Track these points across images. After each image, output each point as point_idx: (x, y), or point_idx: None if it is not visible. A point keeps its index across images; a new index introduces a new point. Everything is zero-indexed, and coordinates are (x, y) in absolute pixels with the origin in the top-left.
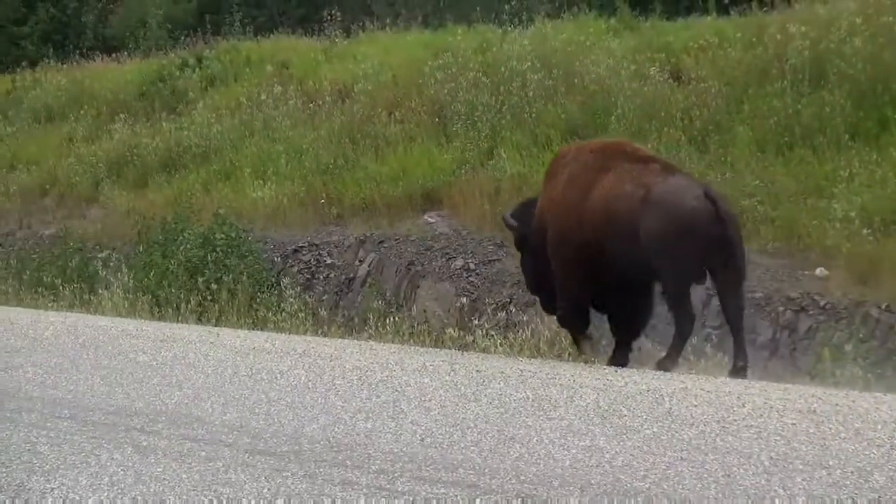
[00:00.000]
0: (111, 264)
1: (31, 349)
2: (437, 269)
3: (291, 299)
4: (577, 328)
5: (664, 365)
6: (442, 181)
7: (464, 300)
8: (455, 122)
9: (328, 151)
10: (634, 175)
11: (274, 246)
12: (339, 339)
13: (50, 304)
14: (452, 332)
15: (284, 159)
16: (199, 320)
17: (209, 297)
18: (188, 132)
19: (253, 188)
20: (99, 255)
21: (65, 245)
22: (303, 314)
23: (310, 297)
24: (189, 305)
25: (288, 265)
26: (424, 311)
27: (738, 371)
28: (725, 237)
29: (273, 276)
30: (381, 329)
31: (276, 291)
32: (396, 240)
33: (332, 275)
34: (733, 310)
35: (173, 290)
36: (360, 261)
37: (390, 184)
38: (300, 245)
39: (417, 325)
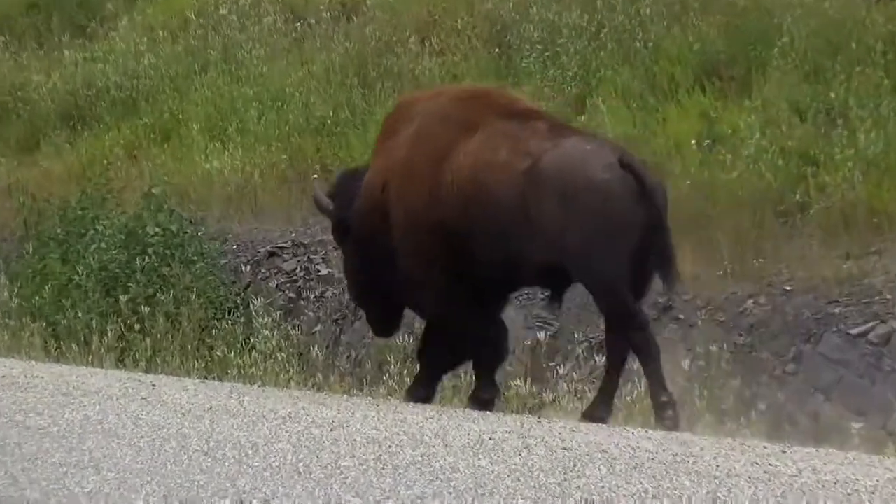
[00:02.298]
0: None
1: None
2: None
3: (266, 331)
4: (488, 349)
5: (596, 413)
6: None
7: (539, 336)
8: (525, 55)
9: (324, 99)
10: (512, 137)
11: (239, 246)
12: (343, 396)
13: None
14: (521, 385)
15: (256, 110)
16: (120, 362)
17: (137, 327)
18: (104, 66)
19: (206, 155)
20: None
21: None
22: (284, 354)
23: (295, 327)
24: (105, 339)
25: (260, 277)
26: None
27: (665, 407)
28: (652, 224)
29: (237, 294)
30: (406, 379)
31: (241, 318)
32: None
33: (328, 292)
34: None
35: (80, 315)
36: None
37: None
38: (280, 245)
39: (465, 374)
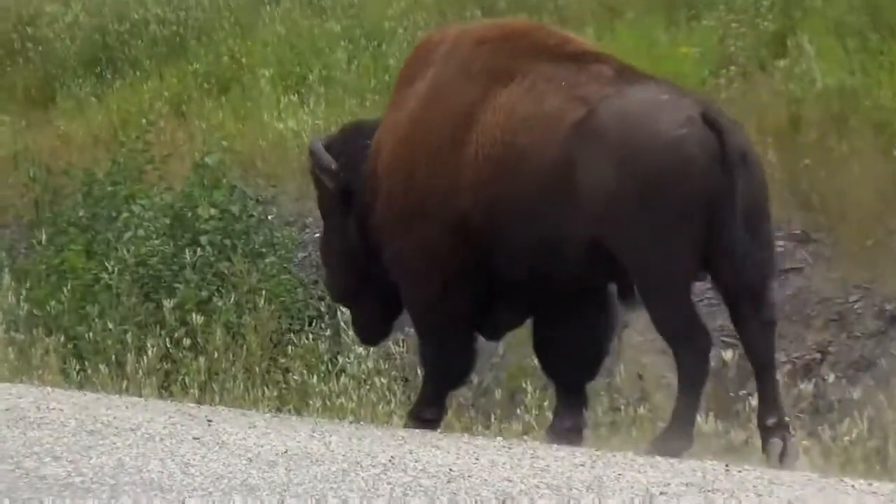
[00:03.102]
0: None
1: None
2: None
3: (359, 348)
4: (447, 375)
5: (669, 442)
6: None
7: (725, 355)
8: None
9: None
10: (562, 84)
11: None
12: (463, 435)
13: None
14: (702, 420)
15: (345, 52)
16: (165, 389)
17: (187, 342)
18: None
19: (278, 112)
20: None
21: None
22: (384, 379)
23: (398, 342)
24: (145, 358)
25: None
26: (640, 377)
27: (771, 433)
28: (737, 191)
29: (320, 299)
30: (548, 413)
31: (326, 331)
32: None
33: None
34: (756, 332)
35: (110, 326)
36: None
37: None
38: None
39: (626, 405)
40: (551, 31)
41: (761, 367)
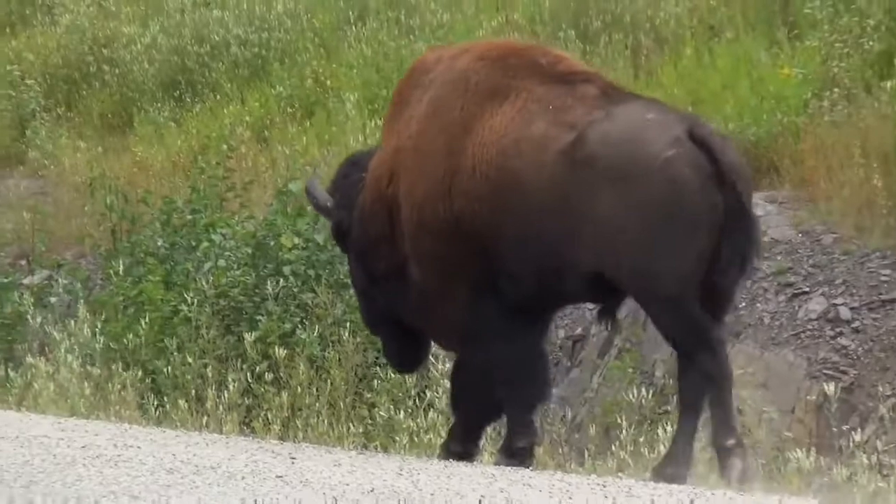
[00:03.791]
0: (53, 300)
1: None
2: (765, 319)
3: (448, 382)
4: (527, 383)
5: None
6: (779, 126)
7: (827, 388)
8: None
9: None
10: (554, 106)
11: None
12: (555, 473)
13: None
14: (802, 456)
15: None
16: (246, 425)
17: (269, 376)
18: (222, 14)
19: (364, 136)
20: (24, 281)
21: None
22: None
23: None
24: (225, 393)
25: None
26: (739, 411)
27: (729, 454)
28: (731, 209)
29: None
30: (642, 448)
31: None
32: None
33: None
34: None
35: (189, 360)
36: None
37: None
38: None
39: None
40: (545, 49)
41: (717, 387)
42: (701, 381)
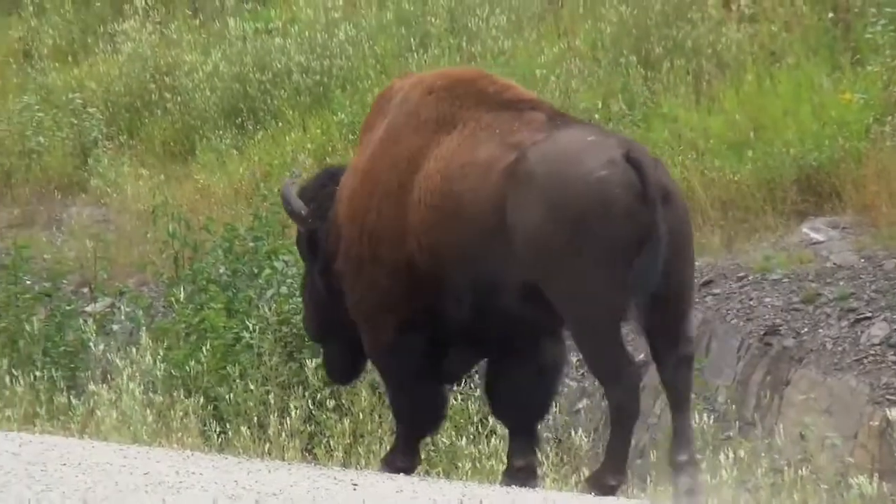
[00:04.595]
0: (115, 328)
1: None
2: (828, 344)
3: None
4: (415, 420)
5: (599, 481)
6: (840, 151)
7: (890, 413)
8: (871, 22)
9: (591, 85)
10: (501, 130)
11: None
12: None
13: None
14: (866, 483)
15: None
16: (309, 452)
17: (331, 403)
18: (284, 41)
19: None
20: (86, 308)
21: (13, 285)
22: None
23: (556, 404)
24: (288, 420)
25: None
26: (802, 437)
27: (680, 471)
28: (660, 229)
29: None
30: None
31: (475, 390)
32: (738, 278)
33: None
34: (672, 368)
35: (251, 387)
36: None
37: (726, 156)
38: None
39: (787, 466)
40: (493, 79)
41: (676, 404)
42: (685, 382)
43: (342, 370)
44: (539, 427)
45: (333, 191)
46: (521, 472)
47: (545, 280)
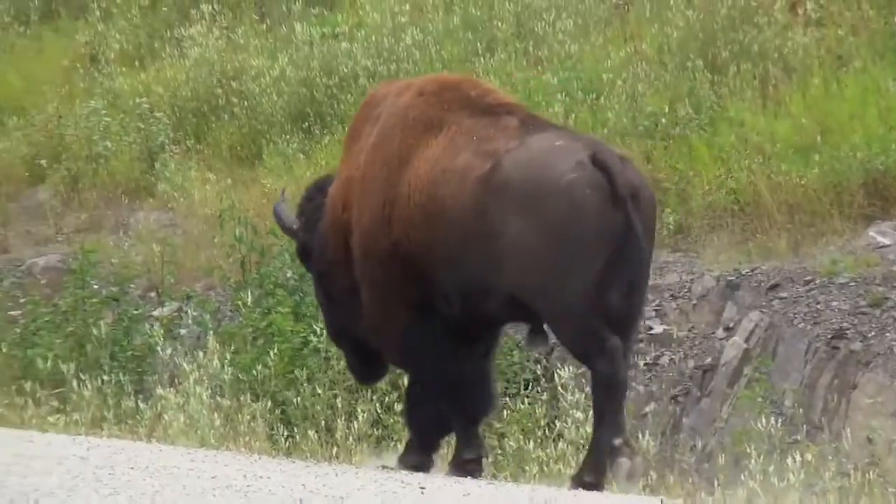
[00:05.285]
0: (182, 332)
1: None
2: (895, 348)
3: (578, 412)
4: (460, 401)
5: (586, 475)
6: None
7: None
8: None
9: (657, 89)
10: (478, 137)
11: None
12: (685, 502)
13: (48, 421)
14: None
15: (562, 105)
16: (377, 456)
17: (399, 406)
18: (351, 46)
19: None
20: (154, 312)
21: (81, 290)
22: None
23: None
24: (355, 424)
25: None
26: (869, 440)
27: (614, 453)
28: (634, 223)
29: (537, 361)
30: (772, 478)
31: (544, 394)
32: (805, 282)
33: (664, 358)
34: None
35: (319, 391)
36: (726, 328)
37: (793, 160)
38: None
39: (854, 469)
40: (476, 83)
41: (611, 389)
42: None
43: (361, 370)
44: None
45: (321, 203)
46: (470, 465)
47: (523, 281)
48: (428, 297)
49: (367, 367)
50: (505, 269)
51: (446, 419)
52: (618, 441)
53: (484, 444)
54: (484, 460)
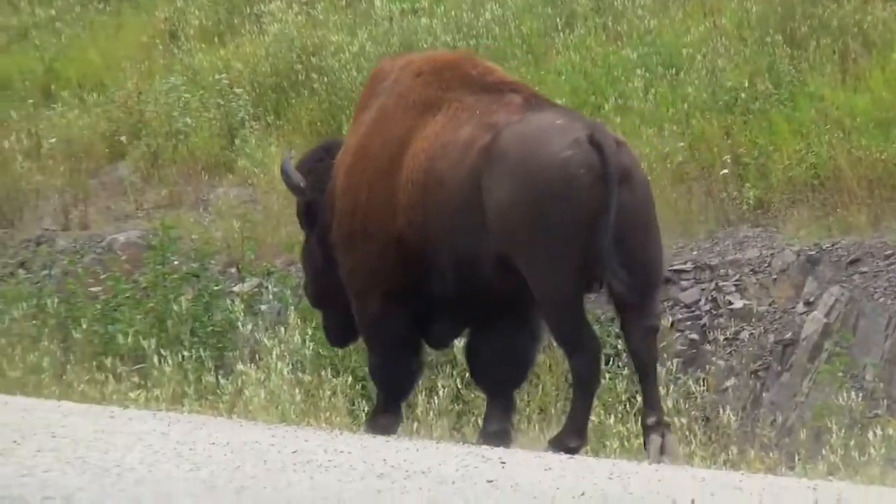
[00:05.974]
0: (263, 308)
1: None
2: None
3: (660, 389)
4: (393, 386)
5: (561, 442)
6: None
7: None
8: None
9: (737, 64)
10: (479, 113)
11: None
12: (765, 476)
13: (128, 396)
14: None
15: (642, 80)
16: (457, 431)
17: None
18: (430, 21)
19: None
20: (234, 288)
21: (161, 266)
22: (684, 419)
23: (699, 381)
24: (435, 399)
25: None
26: None
27: (650, 431)
28: (611, 207)
29: (617, 336)
30: (853, 453)
31: (623, 369)
32: (885, 256)
33: (744, 333)
34: (638, 338)
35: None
36: (806, 303)
37: (873, 135)
38: (676, 268)
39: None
40: (477, 61)
41: (642, 371)
42: (650, 348)
43: (337, 334)
44: (516, 394)
45: (330, 164)
46: (497, 436)
47: (514, 253)
48: (411, 283)
49: (342, 332)
50: (496, 239)
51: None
52: (574, 444)
53: (402, 416)
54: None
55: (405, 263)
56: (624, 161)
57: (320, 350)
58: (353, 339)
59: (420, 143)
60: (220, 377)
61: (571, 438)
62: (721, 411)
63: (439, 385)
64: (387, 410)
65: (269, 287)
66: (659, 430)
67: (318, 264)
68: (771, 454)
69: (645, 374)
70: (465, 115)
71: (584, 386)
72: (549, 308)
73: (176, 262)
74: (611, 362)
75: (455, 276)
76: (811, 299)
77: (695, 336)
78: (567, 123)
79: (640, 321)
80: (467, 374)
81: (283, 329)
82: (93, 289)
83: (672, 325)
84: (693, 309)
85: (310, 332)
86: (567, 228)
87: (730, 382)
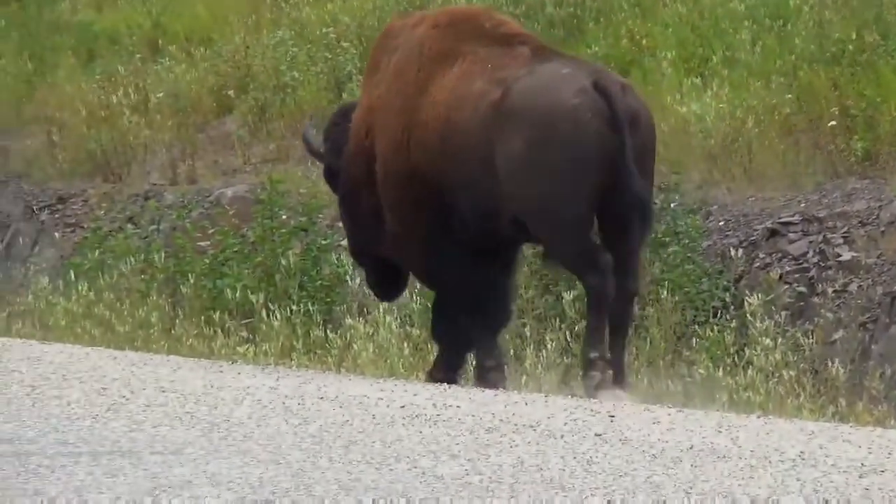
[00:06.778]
0: None
1: None
2: None
3: (767, 339)
4: (489, 314)
5: (583, 355)
6: None
7: None
8: None
9: (844, 16)
10: (491, 65)
11: (727, 223)
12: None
13: (237, 351)
14: None
15: (749, 32)
16: (565, 384)
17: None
18: None
19: (681, 95)
20: (342, 243)
21: (269, 220)
22: (792, 372)
23: (808, 333)
24: (543, 353)
25: (758, 265)
26: None
27: (589, 365)
28: (623, 148)
29: (726, 289)
30: None
31: (732, 322)
32: None
33: (853, 285)
34: (617, 299)
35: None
36: None
37: None
38: (784, 220)
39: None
40: (490, 14)
41: (614, 330)
42: (624, 307)
43: (381, 287)
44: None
45: (346, 128)
46: (492, 372)
47: (527, 199)
48: (444, 217)
49: (386, 285)
50: (510, 189)
51: (468, 334)
52: (594, 354)
53: (503, 352)
54: (506, 367)
55: (426, 197)
56: (630, 103)
57: (428, 304)
58: (399, 291)
59: (438, 93)
60: (328, 331)
61: (591, 350)
62: (829, 364)
63: (547, 339)
64: (485, 350)
65: None
66: (600, 367)
67: (347, 221)
68: (880, 407)
69: (616, 334)
70: (477, 69)
71: (601, 301)
72: (560, 246)
73: (284, 217)
74: (718, 315)
75: (476, 227)
76: None
77: (803, 289)
78: (572, 72)
79: (621, 282)
80: (576, 328)
81: None
82: (201, 243)
83: (780, 277)
84: (801, 261)
85: (418, 286)
86: (579, 173)
87: (838, 335)
